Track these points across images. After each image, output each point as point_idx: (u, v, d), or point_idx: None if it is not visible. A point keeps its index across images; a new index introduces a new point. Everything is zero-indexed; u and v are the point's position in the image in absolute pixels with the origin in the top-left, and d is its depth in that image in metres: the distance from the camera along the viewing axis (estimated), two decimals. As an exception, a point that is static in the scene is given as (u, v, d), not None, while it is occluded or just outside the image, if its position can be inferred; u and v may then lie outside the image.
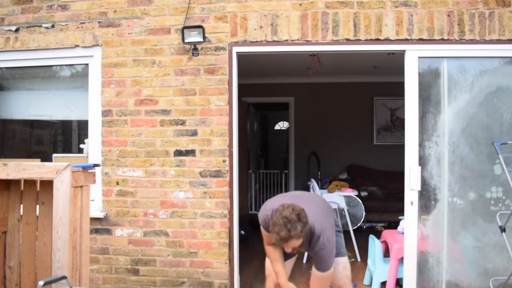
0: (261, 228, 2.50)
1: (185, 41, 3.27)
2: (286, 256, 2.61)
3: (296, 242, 2.14)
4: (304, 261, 4.54)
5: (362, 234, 5.46)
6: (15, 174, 2.31)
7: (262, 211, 2.45)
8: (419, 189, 3.24)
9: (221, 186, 3.41)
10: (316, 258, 2.31)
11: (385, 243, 3.87)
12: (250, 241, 5.16)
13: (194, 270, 3.44)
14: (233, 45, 3.42)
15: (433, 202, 3.29)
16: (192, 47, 3.36)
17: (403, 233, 3.42)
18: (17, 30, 3.63)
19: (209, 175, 3.43)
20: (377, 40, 3.30)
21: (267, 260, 2.61)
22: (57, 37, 3.58)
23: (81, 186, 2.39)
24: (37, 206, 2.59)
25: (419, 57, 3.27)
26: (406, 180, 3.26)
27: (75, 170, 2.32)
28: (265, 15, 3.38)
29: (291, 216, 2.09)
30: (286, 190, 7.61)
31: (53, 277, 2.10)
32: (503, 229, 2.97)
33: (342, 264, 2.55)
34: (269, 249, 2.48)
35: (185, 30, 3.25)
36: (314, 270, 2.36)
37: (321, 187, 5.68)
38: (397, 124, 7.28)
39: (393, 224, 5.44)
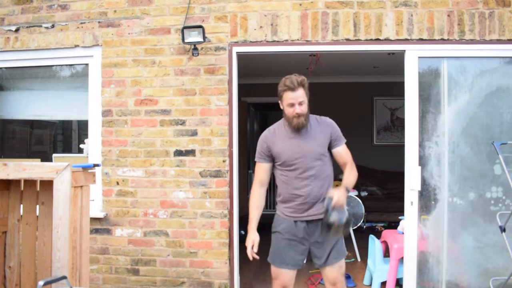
0: (257, 152, 2.61)
1: (185, 41, 3.27)
2: (292, 263, 2.53)
3: (303, 93, 2.42)
4: (304, 261, 4.54)
5: (362, 234, 5.46)
6: (15, 174, 2.31)
7: (262, 135, 2.65)
8: (419, 189, 3.23)
9: (221, 186, 3.41)
10: (332, 135, 2.57)
11: (385, 243, 3.87)
12: (250, 241, 5.14)
13: (194, 270, 3.44)
14: (233, 45, 3.42)
15: (433, 202, 3.29)
16: (192, 47, 3.36)
17: (403, 233, 3.42)
18: (17, 30, 3.63)
19: (209, 175, 3.43)
20: (377, 40, 3.30)
21: (272, 266, 2.58)
22: (57, 37, 3.58)
23: (81, 186, 2.39)
24: (37, 206, 2.58)
25: (419, 57, 3.27)
26: (406, 180, 3.26)
27: (75, 170, 2.32)
28: (265, 15, 3.38)
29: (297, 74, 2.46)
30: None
31: (53, 277, 2.10)
32: (503, 229, 2.97)
33: (339, 264, 2.54)
34: (258, 167, 2.61)
35: (185, 30, 3.25)
36: (337, 148, 2.58)
37: (321, 187, 5.67)
38: (397, 124, 7.29)
39: (393, 224, 5.44)
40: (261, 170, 2.59)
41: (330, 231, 2.36)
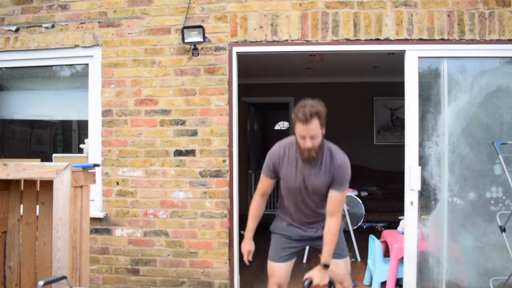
0: (264, 167, 2.51)
1: (185, 41, 3.27)
2: (287, 257, 2.60)
3: (317, 126, 2.23)
4: (304, 261, 4.55)
5: (362, 234, 5.46)
6: (15, 174, 2.31)
7: (271, 149, 2.52)
8: (419, 189, 3.23)
9: (221, 186, 3.41)
10: (336, 173, 2.36)
11: (385, 243, 3.87)
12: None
13: (194, 270, 3.44)
14: (233, 45, 3.42)
15: (433, 202, 3.29)
16: (192, 47, 3.36)
17: (403, 233, 3.42)
18: (17, 30, 3.63)
19: (209, 175, 3.43)
20: (377, 40, 3.30)
21: (269, 261, 2.62)
22: (57, 37, 3.57)
23: (81, 186, 2.39)
24: (37, 206, 2.59)
25: (419, 57, 3.26)
26: (406, 180, 3.26)
27: (75, 170, 2.32)
28: (265, 15, 3.38)
29: (315, 101, 2.29)
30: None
31: (53, 277, 2.10)
32: (503, 229, 2.97)
33: (344, 263, 2.57)
34: (262, 179, 2.54)
35: (185, 30, 3.25)
36: (332, 192, 2.37)
37: (321, 187, 5.67)
38: (397, 124, 7.28)
39: (393, 224, 5.43)
40: (265, 183, 2.54)
41: None
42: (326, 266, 2.33)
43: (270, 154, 2.50)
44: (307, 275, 2.33)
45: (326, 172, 2.37)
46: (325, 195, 2.40)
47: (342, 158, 2.38)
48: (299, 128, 2.25)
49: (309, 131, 2.23)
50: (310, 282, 2.28)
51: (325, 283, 2.31)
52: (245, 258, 2.56)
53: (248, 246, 2.56)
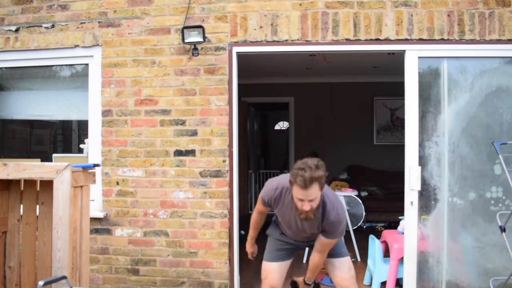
0: (260, 197, 2.51)
1: (185, 41, 3.26)
2: (285, 256, 2.62)
3: (316, 190, 2.12)
4: (304, 261, 4.54)
5: (362, 234, 5.46)
6: (15, 174, 2.31)
7: (268, 185, 2.47)
8: (419, 189, 3.23)
9: (221, 186, 3.41)
10: (327, 228, 2.33)
11: (385, 243, 3.87)
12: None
13: (194, 270, 3.44)
14: (233, 45, 3.42)
15: (433, 202, 3.29)
16: (192, 47, 3.35)
17: (403, 233, 3.42)
18: (17, 30, 3.63)
19: (209, 175, 3.43)
20: (377, 40, 3.30)
21: (264, 262, 2.63)
22: (57, 37, 3.58)
23: (81, 186, 2.39)
24: (37, 206, 2.59)
25: (419, 57, 3.26)
26: (406, 180, 3.26)
27: (75, 170, 2.32)
28: (265, 15, 3.38)
29: (315, 162, 2.14)
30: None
31: (53, 277, 2.10)
32: (503, 229, 2.97)
33: (347, 265, 2.55)
34: (259, 203, 2.56)
35: (185, 30, 3.25)
36: (322, 237, 2.37)
37: (321, 187, 5.67)
38: (397, 124, 7.28)
39: (393, 224, 5.43)
40: (262, 209, 2.59)
41: None
42: (308, 285, 2.58)
43: (266, 191, 2.45)
44: (296, 278, 2.65)
45: (319, 225, 2.36)
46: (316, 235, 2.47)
47: (334, 215, 2.30)
48: (297, 191, 2.15)
49: (308, 196, 2.13)
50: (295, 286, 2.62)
51: None
52: (250, 256, 2.84)
53: (252, 248, 2.81)
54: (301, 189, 2.11)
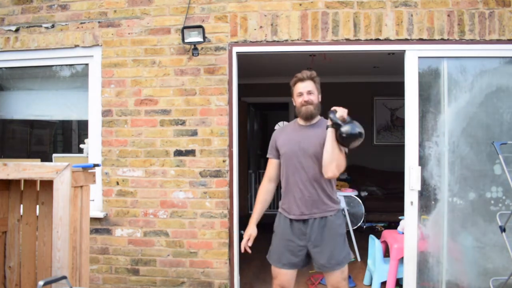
0: (268, 152, 2.73)
1: (185, 41, 3.27)
2: (289, 266, 2.55)
3: (312, 85, 2.59)
4: (303, 262, 4.53)
5: (362, 234, 5.46)
6: (15, 174, 2.31)
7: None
8: (419, 189, 3.23)
9: (221, 186, 3.41)
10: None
11: (385, 243, 3.87)
12: (250, 241, 5.14)
13: (194, 270, 3.44)
14: (233, 45, 3.42)
15: (433, 202, 3.29)
16: (192, 47, 3.36)
17: (403, 233, 3.42)
18: (17, 30, 3.63)
19: (209, 175, 3.43)
20: (377, 40, 3.30)
21: (273, 267, 2.58)
22: (57, 37, 3.58)
23: (81, 186, 2.39)
24: (37, 206, 2.58)
25: (419, 57, 3.27)
26: (406, 180, 3.26)
27: (75, 170, 2.32)
28: (265, 15, 3.38)
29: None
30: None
31: (53, 277, 2.10)
32: (503, 229, 2.97)
33: (340, 272, 2.51)
34: (268, 163, 2.72)
35: (185, 30, 3.25)
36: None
37: (321, 187, 5.66)
38: (397, 124, 7.29)
39: (393, 224, 5.43)
40: (270, 166, 2.71)
41: (345, 142, 2.49)
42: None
43: (272, 137, 2.75)
44: (332, 109, 2.56)
45: (320, 133, 2.55)
46: (317, 158, 2.51)
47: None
48: (298, 87, 2.59)
49: (306, 87, 2.56)
50: (334, 113, 2.52)
51: (346, 112, 2.57)
52: (243, 243, 2.59)
53: (251, 230, 2.62)
54: (300, 82, 2.58)
